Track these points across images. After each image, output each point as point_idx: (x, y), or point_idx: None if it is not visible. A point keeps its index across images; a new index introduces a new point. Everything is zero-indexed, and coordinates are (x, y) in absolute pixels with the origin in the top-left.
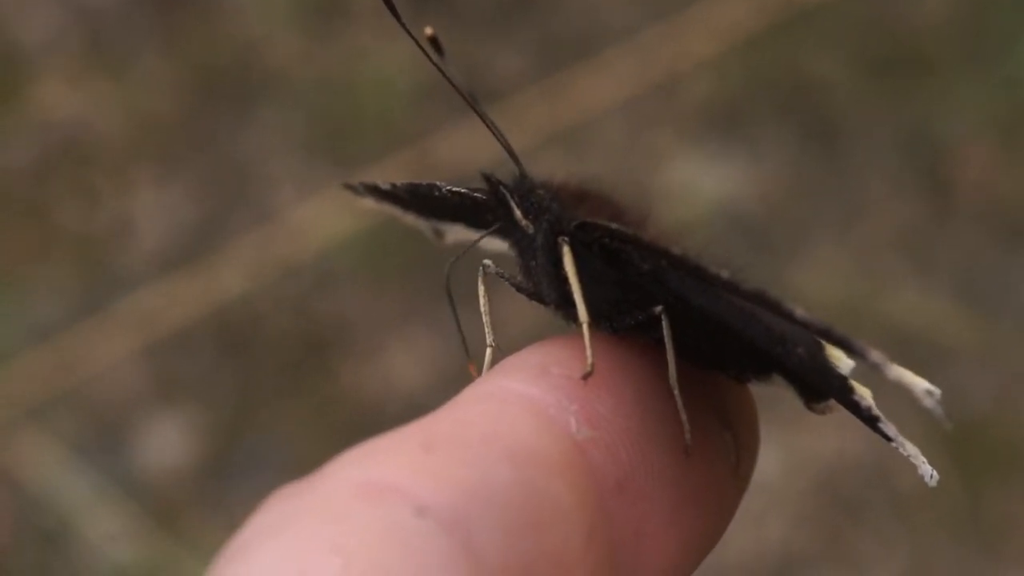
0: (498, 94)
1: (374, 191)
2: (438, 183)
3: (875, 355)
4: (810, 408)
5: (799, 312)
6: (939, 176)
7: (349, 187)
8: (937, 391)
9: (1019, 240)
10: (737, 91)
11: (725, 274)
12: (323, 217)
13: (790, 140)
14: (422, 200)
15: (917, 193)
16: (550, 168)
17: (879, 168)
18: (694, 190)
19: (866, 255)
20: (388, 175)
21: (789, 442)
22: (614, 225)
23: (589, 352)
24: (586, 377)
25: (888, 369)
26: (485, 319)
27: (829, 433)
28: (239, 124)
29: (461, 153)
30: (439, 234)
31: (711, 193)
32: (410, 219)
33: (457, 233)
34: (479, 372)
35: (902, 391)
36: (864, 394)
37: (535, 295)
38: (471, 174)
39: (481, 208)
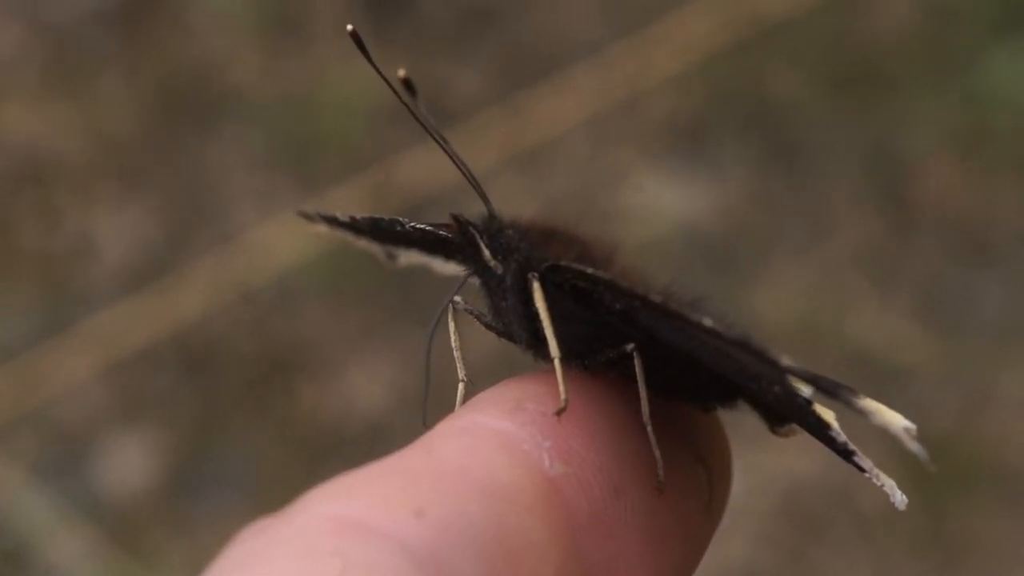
0: (459, 113)
1: (330, 221)
2: (401, 219)
3: (860, 404)
4: (774, 432)
5: (785, 362)
6: (900, 193)
7: (304, 215)
8: (914, 427)
9: (980, 257)
10: (699, 108)
11: (708, 322)
12: (284, 237)
13: (751, 157)
14: (381, 232)
15: (878, 210)
16: (512, 187)
17: (840, 185)
18: (656, 208)
19: (827, 273)
20: (350, 195)
21: (752, 461)
22: (589, 270)
23: (562, 388)
24: (559, 413)
25: (873, 417)
26: (456, 355)
27: (792, 452)
28: (200, 143)
29: (424, 173)
30: (392, 257)
31: (672, 211)
32: (363, 243)
33: (410, 257)
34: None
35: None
36: (828, 418)
37: (505, 334)
38: (434, 195)
39: (446, 245)
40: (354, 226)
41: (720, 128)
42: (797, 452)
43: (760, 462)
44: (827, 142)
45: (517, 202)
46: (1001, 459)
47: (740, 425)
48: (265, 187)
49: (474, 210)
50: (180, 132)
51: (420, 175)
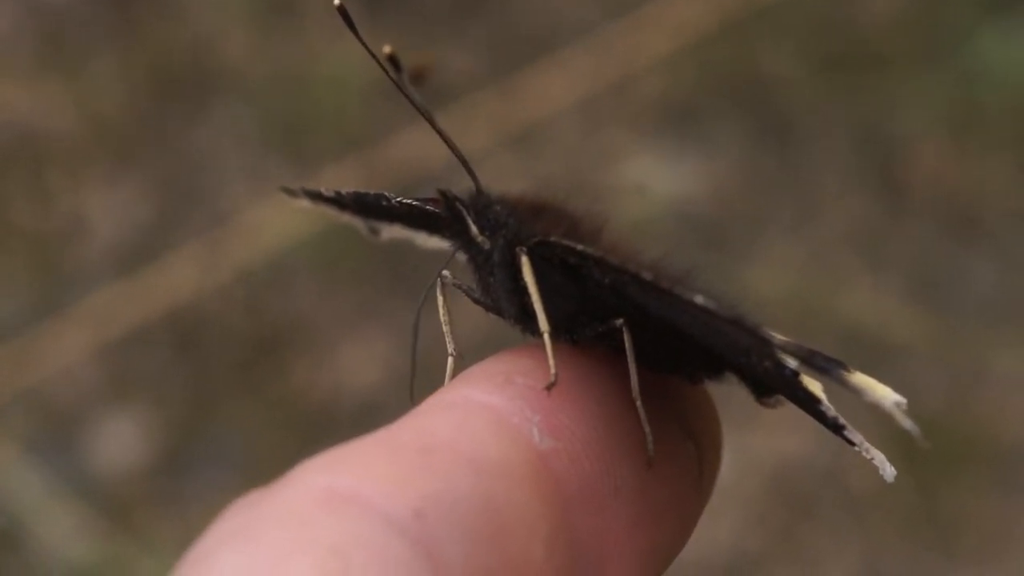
0: (452, 93)
1: (313, 196)
2: (387, 193)
3: (853, 381)
4: (761, 403)
5: (778, 340)
6: (892, 172)
7: (286, 190)
8: (904, 401)
9: (971, 236)
10: (691, 88)
11: (700, 300)
12: (277, 216)
13: (744, 137)
14: (365, 206)
15: (870, 190)
16: (504, 167)
17: (832, 165)
18: (648, 187)
19: (819, 252)
20: (344, 173)
21: (741, 441)
22: (579, 246)
23: (552, 362)
24: (549, 387)
25: (865, 394)
26: (445, 329)
27: (780, 432)
28: (193, 122)
29: (418, 151)
30: (374, 231)
31: (665, 190)
32: (346, 218)
33: (393, 232)
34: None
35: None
36: (817, 392)
37: (493, 309)
38: (428, 173)
39: (433, 220)
40: (337, 201)
41: (712, 108)
42: (786, 432)
43: (749, 442)
44: (819, 122)
45: (509, 182)
46: (993, 438)
47: (728, 405)
48: (258, 166)
49: (467, 187)
50: (172, 111)
51: (414, 153)
